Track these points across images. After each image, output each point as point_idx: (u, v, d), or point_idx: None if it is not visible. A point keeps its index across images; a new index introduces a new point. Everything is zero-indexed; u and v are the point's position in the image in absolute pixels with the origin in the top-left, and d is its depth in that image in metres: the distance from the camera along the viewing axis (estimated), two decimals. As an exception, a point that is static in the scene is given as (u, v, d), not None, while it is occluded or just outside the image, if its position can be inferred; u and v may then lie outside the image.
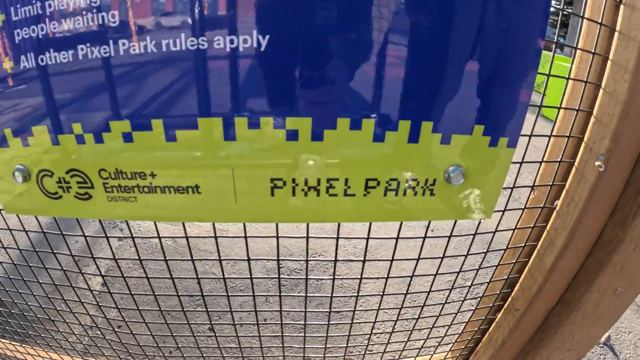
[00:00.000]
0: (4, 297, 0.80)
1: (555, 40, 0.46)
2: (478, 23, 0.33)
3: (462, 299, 0.61)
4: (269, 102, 0.33)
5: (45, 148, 0.41)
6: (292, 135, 0.35)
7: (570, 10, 0.51)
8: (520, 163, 0.47)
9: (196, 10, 0.32)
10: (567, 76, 0.47)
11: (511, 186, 0.49)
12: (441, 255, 0.53)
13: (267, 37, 0.31)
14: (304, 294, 0.52)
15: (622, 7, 0.46)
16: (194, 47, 0.33)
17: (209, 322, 0.64)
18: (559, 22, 0.53)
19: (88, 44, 0.36)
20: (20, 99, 0.42)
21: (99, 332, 1.19)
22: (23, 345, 0.97)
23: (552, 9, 0.37)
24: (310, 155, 0.36)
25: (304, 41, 0.32)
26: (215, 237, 0.46)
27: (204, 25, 0.32)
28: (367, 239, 0.47)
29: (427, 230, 0.49)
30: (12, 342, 0.97)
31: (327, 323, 0.59)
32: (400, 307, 0.58)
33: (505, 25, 0.34)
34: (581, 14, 0.48)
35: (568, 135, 0.47)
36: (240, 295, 0.56)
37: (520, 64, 0.35)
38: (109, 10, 0.35)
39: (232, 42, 0.32)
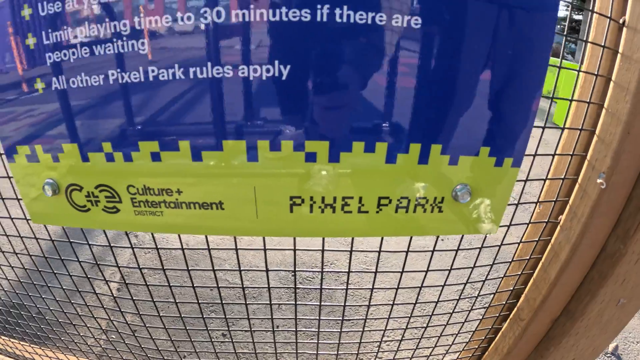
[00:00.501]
0: (23, 300, 0.83)
1: (560, 57, 0.48)
2: (485, 53, 0.35)
3: (470, 309, 0.63)
4: (289, 126, 0.36)
5: (75, 164, 0.44)
6: (311, 157, 0.37)
7: (576, 31, 0.53)
8: (525, 181, 0.49)
9: (222, 42, 0.35)
10: (570, 98, 0.49)
11: (517, 199, 0.51)
12: (449, 267, 0.55)
13: (288, 67, 0.34)
14: (318, 303, 0.55)
15: (625, 29, 0.48)
16: (219, 75, 0.36)
17: (223, 328, 0.66)
18: (566, 26, 0.55)
19: (119, 69, 0.39)
20: (51, 117, 0.45)
21: (114, 337, 1.22)
22: (42, 347, 1.00)
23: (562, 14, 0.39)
24: (327, 175, 0.38)
25: (321, 71, 0.34)
26: (237, 250, 0.49)
27: (230, 55, 0.35)
28: (379, 252, 0.49)
29: (436, 242, 0.52)
30: (31, 345, 1.00)
31: (339, 330, 0.61)
32: (409, 315, 0.60)
33: (510, 54, 0.36)
34: (585, 37, 0.50)
35: (571, 154, 0.49)
36: (259, 304, 0.59)
37: (524, 90, 0.37)
38: (139, 38, 0.38)
39: (255, 71, 0.35)
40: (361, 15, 0.33)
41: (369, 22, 0.33)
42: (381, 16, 0.33)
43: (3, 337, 1.03)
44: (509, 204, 0.45)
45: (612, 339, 0.66)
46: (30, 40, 0.42)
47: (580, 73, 0.50)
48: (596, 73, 0.48)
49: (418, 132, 0.37)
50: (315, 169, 0.38)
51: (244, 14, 0.33)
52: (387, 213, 0.41)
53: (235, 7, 0.34)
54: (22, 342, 0.97)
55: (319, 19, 0.33)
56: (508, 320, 0.64)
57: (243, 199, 0.40)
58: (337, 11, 0.33)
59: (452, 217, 0.43)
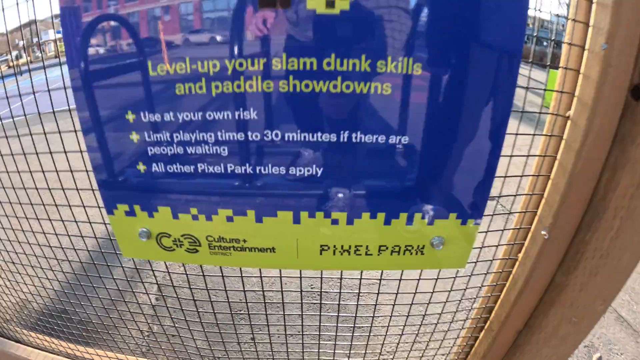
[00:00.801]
0: (68, 306, 1.03)
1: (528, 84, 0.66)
2: (448, 155, 0.54)
3: (450, 321, 0.81)
4: (322, 204, 0.55)
5: (166, 220, 0.63)
6: (335, 222, 0.56)
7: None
8: (480, 248, 0.67)
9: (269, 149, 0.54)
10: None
11: (482, 243, 0.69)
12: (445, 277, 0.73)
13: (322, 168, 0.53)
14: (335, 314, 0.73)
15: (568, 121, 0.65)
16: (276, 173, 0.54)
17: (250, 333, 0.85)
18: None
19: (205, 164, 0.57)
20: (150, 188, 0.62)
21: (154, 339, 1.43)
22: (91, 347, 1.20)
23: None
24: (345, 233, 0.57)
25: (343, 174, 0.53)
26: (281, 279, 0.68)
27: (266, 158, 0.54)
28: (380, 279, 0.67)
29: (420, 274, 0.70)
30: (77, 345, 1.20)
31: (350, 334, 0.79)
32: (404, 325, 0.78)
33: (470, 153, 0.54)
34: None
35: (525, 211, 0.67)
36: (289, 314, 0.78)
37: (481, 177, 0.55)
38: (224, 146, 0.56)
39: (300, 171, 0.54)
40: (370, 137, 0.51)
41: (374, 141, 0.51)
42: (382, 138, 0.51)
43: (55, 339, 1.24)
44: (474, 248, 0.63)
45: (574, 348, 0.83)
46: (134, 137, 0.61)
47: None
48: (544, 154, 0.66)
49: (405, 205, 0.55)
50: (337, 229, 0.56)
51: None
52: (385, 255, 0.60)
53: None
54: (72, 344, 1.17)
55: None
56: (483, 331, 0.82)
57: (289, 246, 0.59)
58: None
59: (431, 258, 0.61)
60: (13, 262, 1.05)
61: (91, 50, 0.52)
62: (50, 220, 0.86)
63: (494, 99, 0.50)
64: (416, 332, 0.84)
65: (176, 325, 0.96)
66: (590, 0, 0.54)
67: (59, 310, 1.24)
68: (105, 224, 0.71)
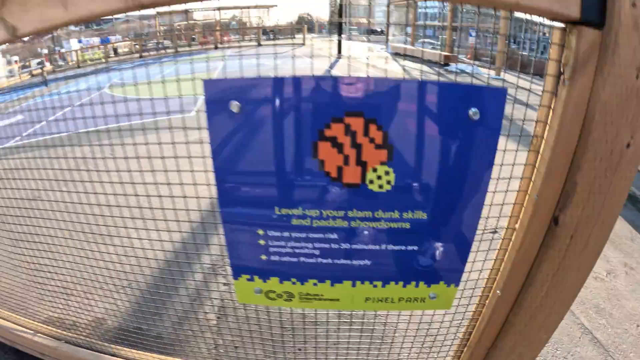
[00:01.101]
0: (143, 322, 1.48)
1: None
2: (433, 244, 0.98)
3: (444, 339, 1.25)
4: (367, 276, 0.99)
5: (275, 284, 1.07)
6: (375, 286, 1.00)
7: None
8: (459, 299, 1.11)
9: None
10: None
11: (460, 294, 1.13)
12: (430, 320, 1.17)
13: (369, 259, 0.97)
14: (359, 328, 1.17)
15: (521, 215, 1.10)
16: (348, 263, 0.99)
17: (295, 347, 1.29)
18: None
19: (304, 257, 1.02)
20: (267, 269, 1.07)
21: (222, 351, 1.86)
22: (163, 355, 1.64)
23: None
24: (380, 291, 1.01)
25: (381, 262, 0.98)
26: (334, 318, 1.12)
27: (336, 256, 0.99)
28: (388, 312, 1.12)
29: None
30: (154, 355, 1.64)
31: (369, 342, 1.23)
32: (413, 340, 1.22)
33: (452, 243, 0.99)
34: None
35: (487, 279, 1.11)
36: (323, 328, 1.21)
37: (457, 260, 1.00)
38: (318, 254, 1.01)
39: (352, 260, 0.98)
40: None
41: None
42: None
43: (134, 350, 1.68)
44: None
45: None
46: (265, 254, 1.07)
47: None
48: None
49: (415, 277, 1.00)
50: (375, 289, 1.01)
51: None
52: (402, 302, 1.04)
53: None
54: (148, 353, 1.62)
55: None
56: (467, 345, 1.25)
57: (347, 298, 1.03)
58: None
59: (428, 304, 1.05)
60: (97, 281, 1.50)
61: (232, 152, 0.98)
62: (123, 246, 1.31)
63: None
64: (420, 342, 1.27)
65: (235, 340, 1.40)
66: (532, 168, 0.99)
67: (134, 326, 1.70)
68: (166, 250, 1.17)
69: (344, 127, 0.82)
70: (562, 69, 0.83)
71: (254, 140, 0.85)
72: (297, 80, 0.80)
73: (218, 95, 0.82)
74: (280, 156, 0.86)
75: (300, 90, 0.80)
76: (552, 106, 0.87)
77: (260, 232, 0.99)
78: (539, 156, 0.91)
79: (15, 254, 1.72)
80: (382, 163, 0.86)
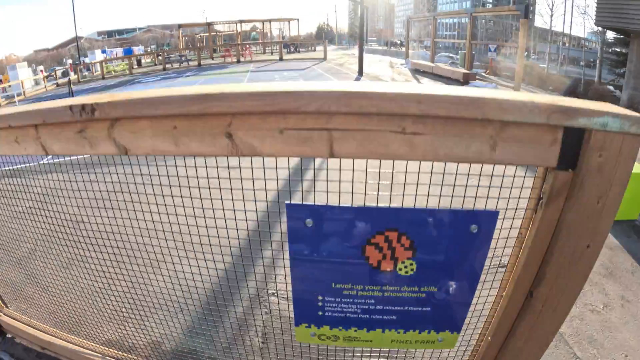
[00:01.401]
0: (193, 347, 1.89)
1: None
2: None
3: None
4: (391, 326, 1.38)
5: (326, 330, 1.47)
6: (398, 332, 1.40)
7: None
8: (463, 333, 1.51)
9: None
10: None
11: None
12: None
13: (393, 315, 1.36)
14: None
15: (507, 288, 1.48)
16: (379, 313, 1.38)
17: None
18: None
19: (349, 313, 1.41)
20: (321, 320, 1.47)
21: None
22: None
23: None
24: (401, 335, 1.40)
25: (402, 318, 1.37)
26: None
27: (369, 313, 1.38)
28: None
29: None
30: None
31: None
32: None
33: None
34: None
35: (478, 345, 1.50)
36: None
37: (460, 314, 1.39)
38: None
39: (382, 315, 1.37)
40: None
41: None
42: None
43: None
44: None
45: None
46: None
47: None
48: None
49: (427, 328, 1.39)
50: (398, 334, 1.40)
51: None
52: (417, 343, 1.44)
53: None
54: None
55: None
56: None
57: (377, 339, 1.42)
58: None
59: (436, 345, 1.45)
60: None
61: (304, 247, 1.36)
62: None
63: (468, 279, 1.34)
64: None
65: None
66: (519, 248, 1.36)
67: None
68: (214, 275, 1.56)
69: (384, 237, 1.19)
70: (541, 196, 1.19)
71: (321, 242, 1.23)
72: (355, 210, 1.16)
73: (297, 214, 1.19)
74: (339, 252, 1.24)
75: (355, 214, 1.17)
76: (532, 219, 1.23)
77: (320, 297, 1.37)
78: (520, 251, 1.28)
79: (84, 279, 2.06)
80: (409, 258, 1.23)
